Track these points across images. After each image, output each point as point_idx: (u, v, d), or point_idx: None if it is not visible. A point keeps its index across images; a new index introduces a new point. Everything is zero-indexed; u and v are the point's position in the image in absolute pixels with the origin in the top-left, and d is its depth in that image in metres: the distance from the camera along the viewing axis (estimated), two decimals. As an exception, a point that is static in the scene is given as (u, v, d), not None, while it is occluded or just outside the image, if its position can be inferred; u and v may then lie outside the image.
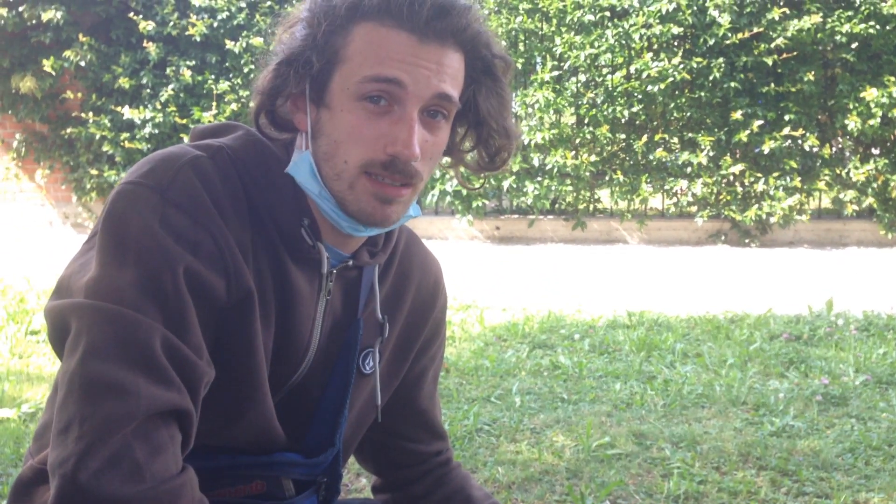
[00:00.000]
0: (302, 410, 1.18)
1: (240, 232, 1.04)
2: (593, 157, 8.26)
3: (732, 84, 7.83)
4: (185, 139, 1.25)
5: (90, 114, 9.08)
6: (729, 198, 8.12)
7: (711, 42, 7.84)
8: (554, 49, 8.29)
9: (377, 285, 1.20)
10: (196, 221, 1.00)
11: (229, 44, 8.74)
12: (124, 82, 8.89)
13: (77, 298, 0.97)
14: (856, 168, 7.88)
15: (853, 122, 7.71)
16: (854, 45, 7.73)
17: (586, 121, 8.32)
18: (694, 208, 8.32)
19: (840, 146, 8.59)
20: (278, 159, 1.10)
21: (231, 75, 8.93)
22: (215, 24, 8.85)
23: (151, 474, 0.88)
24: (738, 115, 7.82)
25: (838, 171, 8.07)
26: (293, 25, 1.10)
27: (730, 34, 7.79)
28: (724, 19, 7.75)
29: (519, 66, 8.34)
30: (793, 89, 7.81)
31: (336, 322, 1.17)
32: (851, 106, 7.77)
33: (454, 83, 1.07)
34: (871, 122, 7.65)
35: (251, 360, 1.06)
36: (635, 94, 8.07)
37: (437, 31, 1.04)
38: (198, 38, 8.82)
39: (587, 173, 8.28)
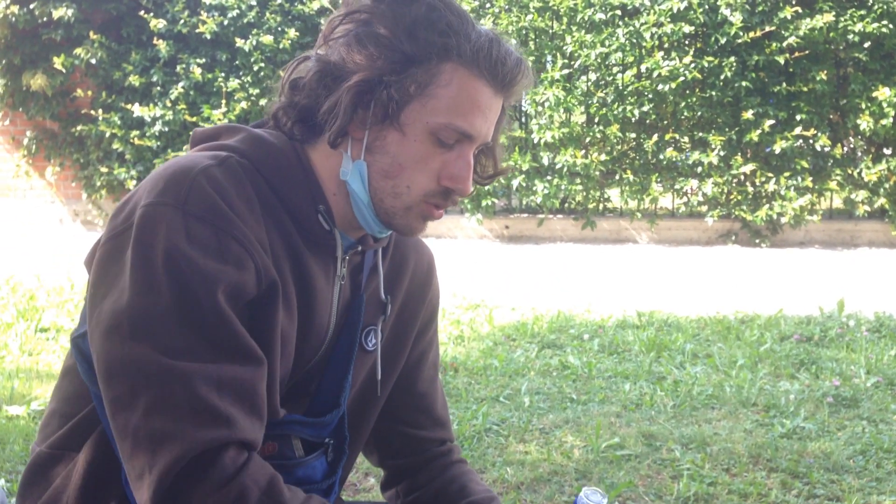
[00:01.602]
0: (311, 386, 1.23)
1: (257, 229, 1.09)
2: (603, 157, 8.23)
3: (744, 83, 7.79)
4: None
5: (100, 111, 9.10)
6: (740, 198, 8.09)
7: (723, 41, 7.80)
8: (564, 47, 8.27)
9: (381, 266, 1.27)
10: (218, 229, 1.04)
11: (239, 42, 8.75)
12: (135, 80, 8.91)
13: (123, 346, 1.01)
14: (868, 168, 7.83)
15: (865, 122, 7.66)
16: (867, 45, 7.67)
17: (596, 120, 8.30)
18: (704, 208, 8.28)
19: (852, 146, 8.54)
20: (285, 154, 1.16)
21: (241, 73, 8.93)
22: (225, 22, 8.86)
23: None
24: (749, 114, 7.78)
25: (850, 171, 8.02)
26: (360, 36, 1.12)
27: (741, 33, 7.75)
28: (736, 18, 7.71)
29: (529, 64, 8.30)
30: (804, 89, 7.77)
31: (346, 303, 1.23)
32: (864, 105, 7.71)
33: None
34: (884, 121, 7.60)
35: (269, 352, 1.10)
36: (646, 93, 8.04)
37: (507, 87, 1.17)
38: (208, 36, 8.83)
39: (597, 172, 8.26)
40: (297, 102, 1.15)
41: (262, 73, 8.76)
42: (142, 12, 8.96)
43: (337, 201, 1.17)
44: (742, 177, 8.12)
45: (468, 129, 1.13)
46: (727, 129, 8.00)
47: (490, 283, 6.05)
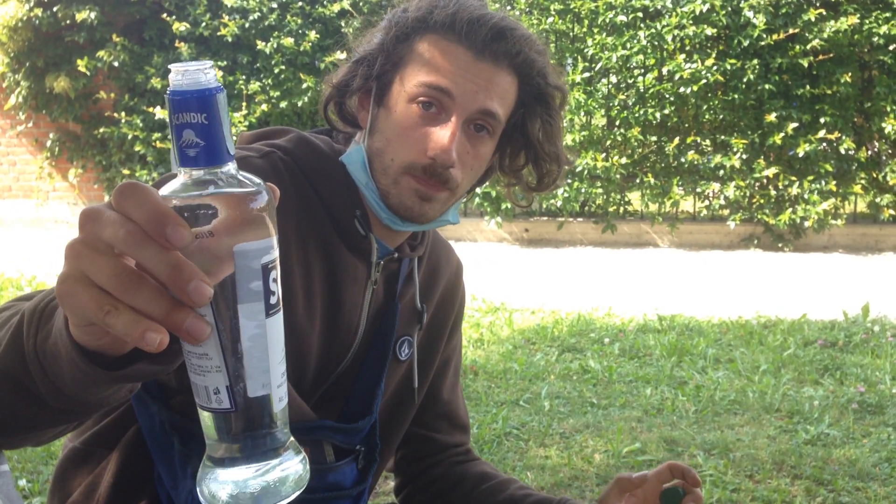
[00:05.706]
0: (343, 392, 1.23)
1: (283, 225, 1.09)
2: (624, 160, 8.18)
3: (767, 86, 7.72)
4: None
5: (123, 114, 9.15)
6: (762, 201, 8.01)
7: (746, 43, 7.74)
8: (585, 50, 8.23)
9: (417, 275, 1.27)
10: None
11: (260, 44, 8.78)
12: (157, 82, 8.95)
13: None
14: (892, 172, 7.74)
15: (890, 125, 7.57)
16: (892, 47, 7.58)
17: (617, 123, 8.25)
18: (726, 211, 8.21)
19: (876, 149, 8.44)
20: (329, 157, 1.19)
21: (262, 76, 8.95)
22: (247, 25, 8.89)
23: None
24: (772, 117, 7.71)
25: (874, 175, 7.93)
26: (375, 33, 1.20)
27: (765, 35, 7.68)
28: (759, 20, 7.64)
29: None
30: (828, 91, 7.69)
31: (379, 311, 1.24)
32: (888, 108, 7.62)
33: (502, 102, 1.15)
34: (909, 124, 7.51)
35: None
36: (667, 96, 7.99)
37: (493, 52, 1.13)
38: (229, 39, 8.86)
39: (618, 175, 8.21)
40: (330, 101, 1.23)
41: (282, 76, 8.78)
42: (164, 15, 9.00)
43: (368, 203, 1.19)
44: (765, 180, 8.05)
45: (439, 81, 1.11)
46: (750, 132, 7.93)
47: (510, 286, 6.03)
